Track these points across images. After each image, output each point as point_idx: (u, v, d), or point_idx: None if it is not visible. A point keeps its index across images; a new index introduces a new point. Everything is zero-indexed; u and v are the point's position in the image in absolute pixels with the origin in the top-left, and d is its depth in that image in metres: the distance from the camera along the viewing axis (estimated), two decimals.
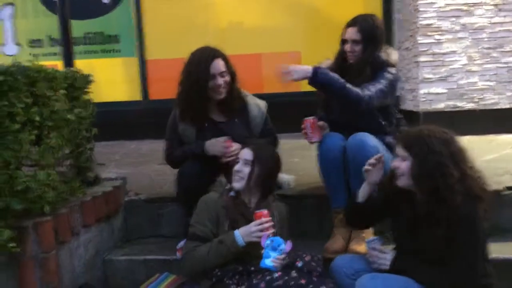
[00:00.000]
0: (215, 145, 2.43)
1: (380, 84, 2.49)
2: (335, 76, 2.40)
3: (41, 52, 5.89)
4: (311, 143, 2.54)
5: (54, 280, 2.13)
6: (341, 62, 2.63)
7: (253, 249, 2.07)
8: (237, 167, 2.23)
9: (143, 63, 5.78)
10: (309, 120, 2.50)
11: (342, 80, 2.39)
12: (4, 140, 1.93)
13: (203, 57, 2.47)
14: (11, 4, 5.89)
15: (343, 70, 2.56)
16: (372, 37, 2.54)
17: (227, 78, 2.49)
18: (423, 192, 1.91)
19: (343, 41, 2.60)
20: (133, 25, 5.73)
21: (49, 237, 2.12)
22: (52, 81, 2.22)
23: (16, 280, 1.99)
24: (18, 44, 5.91)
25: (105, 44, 5.84)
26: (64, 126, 2.30)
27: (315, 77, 2.34)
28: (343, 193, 2.37)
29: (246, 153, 2.24)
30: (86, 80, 2.66)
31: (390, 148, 2.45)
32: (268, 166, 2.23)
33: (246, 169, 2.20)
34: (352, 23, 2.59)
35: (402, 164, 1.95)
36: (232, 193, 2.24)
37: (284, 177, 2.85)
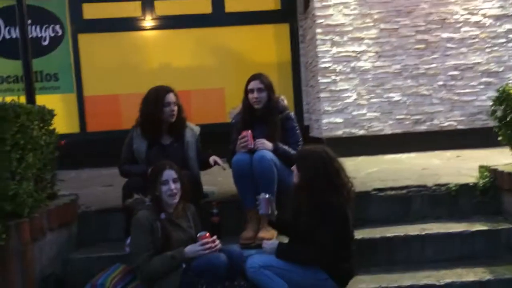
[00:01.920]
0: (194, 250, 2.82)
1: (298, 133, 3.52)
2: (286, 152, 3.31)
3: None
4: (249, 149, 3.28)
5: (31, 268, 2.73)
6: (249, 110, 3.50)
7: None
8: (171, 186, 2.82)
9: (80, 99, 6.36)
10: (248, 132, 3.31)
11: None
12: None
13: (162, 90, 3.33)
14: None
15: (253, 117, 3.47)
16: (270, 85, 3.49)
17: (176, 108, 3.34)
18: (304, 192, 2.79)
19: (248, 92, 3.48)
20: (71, 64, 6.32)
21: (27, 234, 2.73)
22: (30, 114, 2.89)
23: (3, 266, 2.58)
24: None
25: (45, 81, 6.35)
26: (38, 149, 2.95)
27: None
28: (251, 195, 3.18)
29: (172, 173, 2.87)
30: (51, 114, 3.33)
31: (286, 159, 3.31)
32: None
33: (177, 185, 2.87)
34: (254, 77, 3.52)
35: (295, 174, 2.85)
36: (163, 216, 2.84)
37: (210, 188, 3.65)
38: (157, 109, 3.28)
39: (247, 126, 3.44)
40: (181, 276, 2.69)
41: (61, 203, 3.26)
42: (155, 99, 3.30)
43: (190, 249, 2.76)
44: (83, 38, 6.35)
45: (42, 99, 6.09)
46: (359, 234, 3.29)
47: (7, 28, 6.27)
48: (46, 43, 6.33)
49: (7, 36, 6.26)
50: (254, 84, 3.48)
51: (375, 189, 3.63)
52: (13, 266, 2.63)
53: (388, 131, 5.77)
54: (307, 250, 2.74)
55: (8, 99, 2.79)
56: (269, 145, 3.30)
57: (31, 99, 3.48)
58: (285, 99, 3.68)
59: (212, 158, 3.39)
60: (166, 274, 2.71)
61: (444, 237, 3.28)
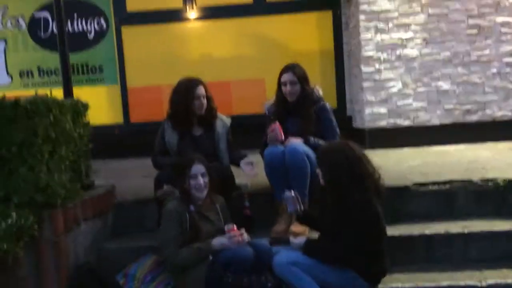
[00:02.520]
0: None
1: (334, 124, 3.39)
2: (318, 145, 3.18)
3: (30, 82, 6.53)
4: (279, 141, 3.20)
5: (65, 257, 2.80)
6: (282, 103, 3.39)
7: None
8: (199, 180, 2.83)
9: (124, 90, 6.49)
10: (276, 124, 3.24)
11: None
12: (30, 150, 2.63)
13: (191, 83, 3.30)
14: (4, 40, 6.54)
15: (287, 109, 3.37)
16: (304, 77, 3.37)
17: (205, 100, 3.30)
18: (328, 190, 2.69)
19: (281, 85, 3.38)
20: (115, 57, 6.45)
21: (60, 224, 2.80)
22: (62, 108, 2.94)
23: (36, 256, 2.65)
24: (9, 75, 6.55)
25: (90, 74, 6.53)
26: (71, 142, 3.00)
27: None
28: (283, 189, 3.09)
29: (200, 168, 2.88)
30: (85, 107, 3.38)
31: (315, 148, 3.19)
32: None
33: (205, 179, 2.87)
34: (286, 69, 3.42)
35: (319, 171, 2.75)
36: (192, 208, 2.86)
37: (243, 180, 3.60)
38: (187, 102, 3.26)
39: (281, 119, 3.36)
40: (208, 268, 2.66)
41: (96, 194, 3.32)
42: (185, 92, 3.27)
43: (217, 241, 2.74)
44: (126, 31, 6.44)
45: (87, 91, 6.41)
46: (396, 230, 3.15)
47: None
48: (91, 36, 6.48)
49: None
50: (286, 77, 3.38)
51: (415, 184, 3.45)
52: (47, 256, 2.70)
53: (435, 121, 5.50)
54: (334, 249, 2.64)
55: (41, 92, 2.83)
56: (299, 141, 3.20)
57: (68, 92, 3.53)
58: (321, 89, 3.55)
59: (244, 163, 3.28)
60: (193, 265, 2.70)
61: (489, 235, 3.08)
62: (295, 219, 3.03)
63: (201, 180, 2.84)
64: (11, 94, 2.84)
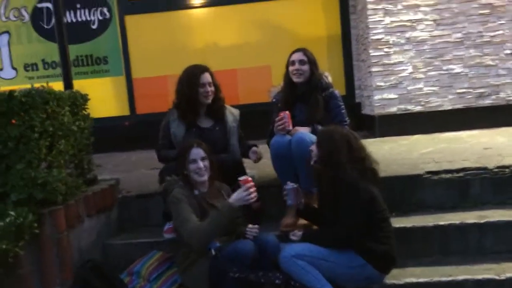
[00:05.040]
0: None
1: (343, 112, 3.27)
2: None
3: (35, 75, 6.46)
4: (287, 132, 3.08)
5: (68, 254, 2.73)
6: (290, 88, 3.27)
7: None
8: (199, 164, 2.74)
9: (129, 81, 6.40)
10: (286, 113, 3.10)
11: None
12: (27, 146, 2.54)
13: (196, 70, 3.15)
14: (7, 32, 6.46)
15: (294, 96, 3.24)
16: (314, 60, 3.25)
17: (213, 88, 3.15)
18: (324, 169, 2.62)
19: (290, 65, 3.25)
20: (119, 47, 6.35)
21: (62, 221, 2.72)
22: (60, 100, 2.84)
23: (38, 254, 2.59)
24: (14, 68, 6.49)
25: (95, 65, 6.44)
26: (70, 135, 2.91)
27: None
28: (291, 178, 2.99)
29: (199, 152, 2.77)
30: (84, 98, 3.28)
31: None
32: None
33: (205, 163, 2.78)
34: (297, 50, 3.30)
35: (314, 148, 2.70)
36: (196, 192, 2.78)
37: (249, 172, 3.49)
38: (192, 90, 3.10)
39: (288, 105, 3.24)
40: (211, 263, 2.57)
41: (99, 189, 3.24)
42: (190, 79, 3.12)
43: (235, 197, 2.61)
44: (130, 20, 6.33)
45: (92, 83, 6.36)
46: (410, 221, 3.03)
47: None
48: (95, 26, 6.38)
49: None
50: (296, 56, 3.26)
51: (428, 172, 3.31)
52: (49, 254, 2.63)
53: (447, 106, 5.34)
54: (332, 230, 2.59)
55: (37, 85, 2.74)
56: (306, 130, 3.08)
57: (68, 84, 3.44)
58: (329, 76, 3.41)
59: (252, 152, 3.20)
60: (218, 234, 2.61)
61: (506, 225, 2.94)
62: (296, 213, 2.94)
63: (200, 164, 2.75)
64: (16, 87, 2.75)
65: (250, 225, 2.72)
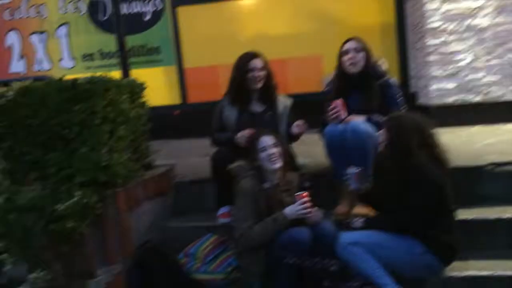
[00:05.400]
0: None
1: (399, 101, 3.20)
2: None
3: (92, 65, 6.69)
4: (341, 121, 3.05)
5: (128, 235, 2.82)
6: (343, 77, 3.22)
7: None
8: (270, 151, 2.74)
9: (181, 71, 6.51)
10: (339, 101, 3.06)
11: None
12: (90, 131, 2.64)
13: (246, 56, 3.23)
14: (66, 23, 6.71)
15: (348, 85, 3.18)
16: (368, 48, 3.19)
17: (262, 73, 3.17)
18: (393, 154, 2.55)
19: (343, 54, 3.20)
20: (171, 37, 6.46)
21: (122, 203, 2.81)
22: (119, 88, 2.93)
23: (101, 234, 2.69)
24: (73, 58, 6.74)
25: (148, 55, 6.59)
26: (129, 122, 3.00)
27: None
28: (345, 168, 2.94)
29: (269, 139, 2.80)
30: (141, 87, 3.37)
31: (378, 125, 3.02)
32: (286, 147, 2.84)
33: (277, 149, 2.77)
34: (350, 39, 3.24)
35: (383, 133, 2.63)
36: (266, 185, 2.77)
37: (301, 160, 3.48)
38: (241, 75, 3.18)
39: (341, 95, 3.18)
40: (268, 249, 2.58)
41: (156, 173, 3.33)
42: (239, 65, 3.21)
43: (289, 209, 2.64)
44: (182, 11, 6.42)
45: (145, 73, 6.50)
46: (471, 213, 2.93)
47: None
48: (147, 18, 6.52)
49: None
50: (349, 45, 3.19)
51: (491, 164, 3.18)
52: (111, 234, 2.73)
53: (510, 97, 5.07)
54: (396, 215, 2.52)
55: (98, 74, 2.84)
56: (361, 118, 3.02)
57: (126, 73, 3.54)
58: (385, 63, 3.33)
59: (295, 124, 3.16)
60: (268, 240, 2.62)
61: None
62: (358, 197, 2.88)
63: (272, 150, 2.74)
64: (75, 77, 2.87)
65: (313, 209, 2.66)
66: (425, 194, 2.45)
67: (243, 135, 3.03)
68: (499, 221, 2.86)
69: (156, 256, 2.78)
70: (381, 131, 2.68)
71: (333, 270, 2.53)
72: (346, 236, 2.56)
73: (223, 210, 3.11)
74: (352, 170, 2.76)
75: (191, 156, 4.62)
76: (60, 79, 2.76)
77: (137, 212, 3.02)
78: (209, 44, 6.36)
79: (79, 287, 2.45)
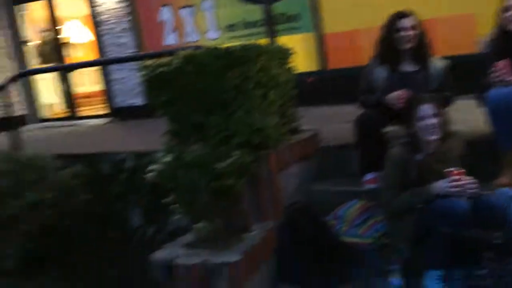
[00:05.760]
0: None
1: None
2: None
3: (236, 35, 6.99)
4: (507, 82, 2.80)
5: (279, 194, 2.99)
6: (504, 35, 2.95)
7: None
8: (429, 121, 2.60)
9: (321, 37, 6.48)
10: (506, 61, 2.82)
11: None
12: (244, 95, 2.81)
13: (395, 15, 3.15)
14: None
15: (510, 44, 2.89)
16: None
17: (411, 33, 3.07)
18: None
19: (505, 10, 2.90)
20: (310, 4, 6.43)
21: (274, 164, 2.97)
22: (269, 53, 3.06)
23: (255, 192, 2.88)
24: (218, 29, 7.12)
25: (287, 23, 6.67)
26: (278, 87, 3.12)
27: None
28: (509, 137, 2.71)
29: (429, 108, 2.64)
30: (289, 52, 3.47)
31: None
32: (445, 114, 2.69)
33: (436, 120, 2.63)
34: None
35: None
36: (418, 157, 2.65)
37: (457, 126, 3.27)
38: (389, 35, 3.11)
39: (504, 55, 2.91)
40: (417, 216, 2.53)
41: (302, 138, 3.44)
42: (388, 24, 3.13)
43: (437, 185, 2.53)
44: None
45: (285, 40, 6.57)
46: None
47: None
48: None
49: None
50: None
51: None
52: (264, 192, 2.92)
53: None
54: None
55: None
56: None
57: (272, 40, 3.67)
58: None
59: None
60: (411, 210, 2.57)
61: None
62: None
63: (431, 121, 2.61)
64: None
65: (467, 178, 2.50)
66: None
67: (394, 96, 2.97)
68: None
69: (305, 216, 2.90)
70: None
71: (497, 244, 2.37)
72: None
73: (370, 176, 3.11)
74: None
75: (335, 122, 4.63)
76: (216, 48, 2.97)
77: (285, 173, 3.16)
78: (348, 9, 6.14)
79: (237, 239, 2.67)
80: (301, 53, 6.56)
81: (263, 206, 2.89)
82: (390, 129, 2.85)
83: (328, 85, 6.21)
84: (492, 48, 3.07)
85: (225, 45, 2.98)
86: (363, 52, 6.20)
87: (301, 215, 2.91)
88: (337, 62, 6.37)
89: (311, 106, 5.94)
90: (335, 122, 4.62)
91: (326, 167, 3.61)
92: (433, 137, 2.63)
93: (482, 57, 3.17)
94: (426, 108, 2.64)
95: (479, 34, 3.23)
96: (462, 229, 2.39)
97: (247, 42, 3.04)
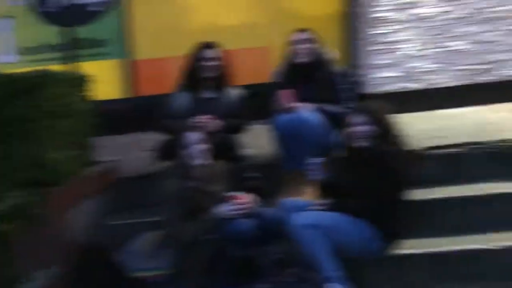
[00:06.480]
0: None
1: (348, 89, 3.35)
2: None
3: (36, 59, 6.40)
4: (288, 109, 3.09)
5: (65, 235, 2.75)
6: (291, 66, 3.33)
7: None
8: (194, 148, 2.72)
9: (130, 64, 6.35)
10: (287, 91, 3.11)
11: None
12: (30, 126, 2.55)
13: (199, 46, 3.37)
14: (11, 16, 6.40)
15: (296, 74, 3.27)
16: (317, 39, 3.35)
17: (213, 63, 3.28)
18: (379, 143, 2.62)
19: (292, 44, 3.29)
20: (121, 29, 6.29)
21: (62, 202, 2.79)
22: (62, 81, 2.89)
23: (36, 234, 2.60)
24: (16, 52, 6.44)
25: (95, 48, 6.38)
26: (72, 116, 2.95)
27: None
28: (292, 158, 2.99)
29: (194, 134, 2.77)
30: (87, 80, 3.34)
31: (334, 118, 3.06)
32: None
33: (203, 146, 2.75)
34: (300, 30, 3.34)
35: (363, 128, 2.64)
36: (189, 184, 2.74)
37: (248, 150, 3.51)
38: (193, 63, 3.30)
39: (289, 85, 3.24)
40: (209, 242, 2.60)
41: (98, 170, 3.27)
42: (193, 53, 3.33)
43: (220, 210, 2.65)
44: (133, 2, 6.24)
45: (92, 66, 6.30)
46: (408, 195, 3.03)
47: None
48: (96, 8, 6.29)
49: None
50: (298, 35, 3.26)
51: (427, 148, 3.32)
52: (45, 236, 2.65)
53: (449, 83, 5.29)
54: (358, 201, 2.58)
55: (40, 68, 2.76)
56: (310, 107, 3.07)
57: (73, 66, 3.46)
58: (335, 52, 3.41)
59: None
60: (200, 239, 2.63)
61: (506, 198, 2.94)
62: (320, 187, 2.92)
63: (195, 149, 2.70)
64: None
65: (246, 198, 2.67)
66: (392, 182, 2.56)
67: (194, 121, 3.08)
68: (434, 202, 3.02)
69: (97, 255, 2.74)
70: (360, 127, 2.65)
71: (277, 258, 2.56)
72: (303, 217, 2.55)
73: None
74: (315, 160, 2.79)
75: (136, 151, 4.51)
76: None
77: (75, 210, 2.96)
78: (157, 36, 6.17)
79: None
80: (109, 80, 6.40)
81: (44, 252, 2.62)
82: (157, 166, 2.94)
83: (135, 113, 6.08)
84: (280, 78, 3.39)
85: (21, 70, 2.71)
86: (172, 80, 6.28)
87: (92, 255, 2.73)
88: (146, 89, 6.31)
89: (118, 135, 5.79)
90: (137, 150, 4.52)
91: (122, 199, 3.50)
92: (199, 162, 2.70)
93: (272, 86, 3.47)
94: (191, 135, 2.72)
95: (273, 65, 3.55)
96: (249, 249, 2.52)
97: (38, 68, 2.79)
